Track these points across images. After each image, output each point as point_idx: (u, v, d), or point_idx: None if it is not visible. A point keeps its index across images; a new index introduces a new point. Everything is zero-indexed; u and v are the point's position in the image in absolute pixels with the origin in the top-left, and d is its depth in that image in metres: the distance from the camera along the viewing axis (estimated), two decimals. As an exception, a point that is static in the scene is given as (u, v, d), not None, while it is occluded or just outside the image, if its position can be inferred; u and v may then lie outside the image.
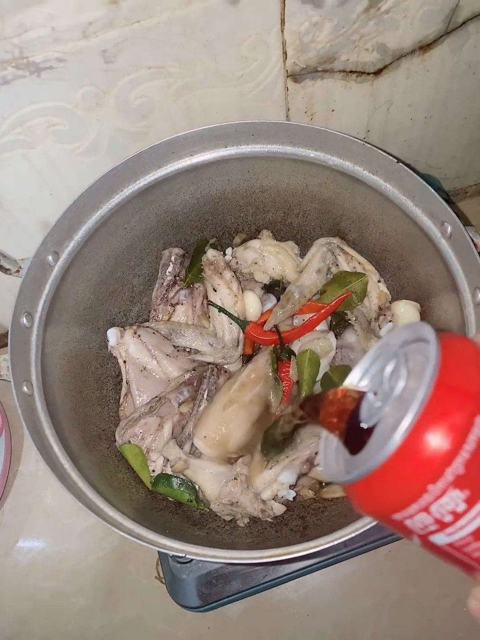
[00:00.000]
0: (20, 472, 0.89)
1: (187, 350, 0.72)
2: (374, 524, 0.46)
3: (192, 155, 0.63)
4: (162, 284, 0.74)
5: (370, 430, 0.27)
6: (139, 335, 0.69)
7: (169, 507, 0.63)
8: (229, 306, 0.70)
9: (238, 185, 0.69)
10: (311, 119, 0.75)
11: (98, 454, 0.62)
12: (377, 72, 0.71)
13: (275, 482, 0.59)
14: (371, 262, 0.70)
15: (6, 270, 0.55)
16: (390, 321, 0.65)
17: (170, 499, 0.63)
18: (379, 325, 0.66)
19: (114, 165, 0.62)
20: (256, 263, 0.72)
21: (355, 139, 0.58)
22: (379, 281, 0.68)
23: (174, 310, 0.74)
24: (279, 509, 0.61)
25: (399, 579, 0.78)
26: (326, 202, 0.69)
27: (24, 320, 0.55)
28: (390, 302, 0.67)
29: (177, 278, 0.74)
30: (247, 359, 0.71)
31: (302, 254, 0.75)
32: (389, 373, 0.27)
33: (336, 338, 0.67)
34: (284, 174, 0.67)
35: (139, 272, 0.74)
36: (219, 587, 0.67)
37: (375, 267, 0.69)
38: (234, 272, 0.72)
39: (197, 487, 0.62)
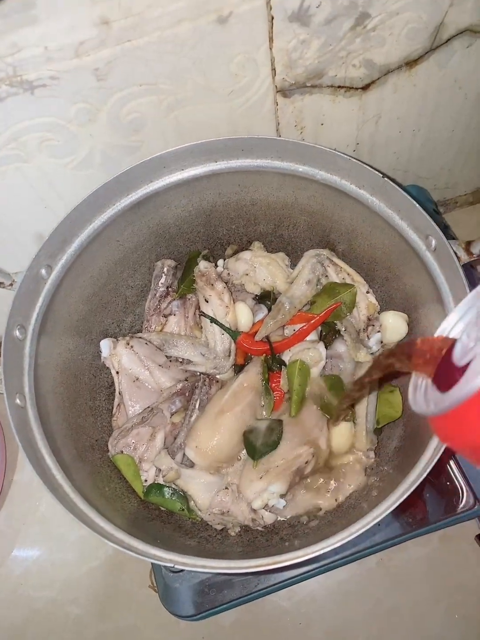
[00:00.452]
0: (16, 481, 0.90)
1: (180, 360, 0.73)
2: (362, 531, 0.46)
3: (183, 169, 0.65)
4: (155, 295, 0.75)
5: (462, 369, 0.29)
6: (132, 346, 0.70)
7: (161, 517, 0.63)
8: (220, 317, 0.71)
9: (229, 198, 0.71)
10: (301, 133, 0.76)
11: (91, 465, 0.63)
12: (365, 87, 0.72)
13: (266, 491, 0.60)
14: (360, 273, 0.71)
15: (0, 284, 0.56)
16: (378, 331, 0.67)
17: (162, 508, 0.64)
18: (367, 336, 0.67)
19: (106, 180, 0.63)
20: (247, 274, 0.73)
21: (342, 154, 0.59)
22: (367, 292, 0.69)
23: (166, 321, 0.75)
24: (269, 518, 0.62)
25: (390, 587, 0.79)
26: (315, 214, 0.70)
27: (17, 333, 0.56)
28: (378, 313, 0.68)
29: (170, 289, 0.75)
30: (238, 368, 0.72)
31: (293, 265, 0.76)
32: None
33: (326, 348, 0.68)
34: (274, 188, 0.69)
35: (131, 283, 0.75)
36: (212, 595, 0.67)
37: (364, 278, 0.71)
38: (226, 283, 0.73)
39: (188, 496, 0.63)
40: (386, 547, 0.72)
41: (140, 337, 0.72)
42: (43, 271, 0.59)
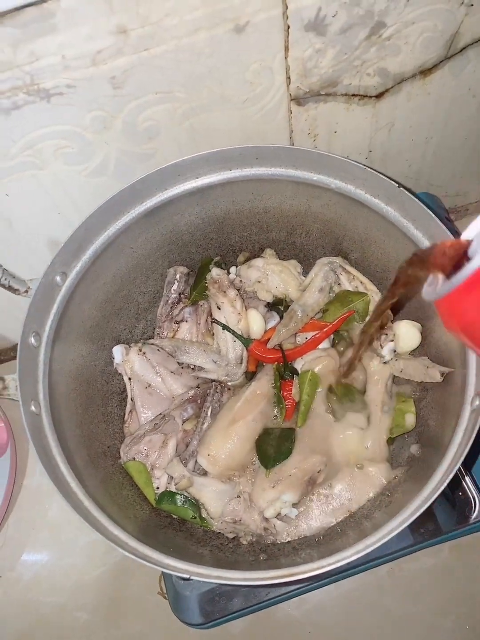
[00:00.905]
0: (25, 486, 0.90)
1: (191, 367, 0.73)
2: (377, 545, 0.46)
3: (197, 178, 0.65)
4: (167, 301, 0.75)
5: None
6: (144, 353, 0.70)
7: (173, 525, 0.63)
8: (232, 324, 0.71)
9: (242, 206, 0.71)
10: (314, 141, 0.76)
11: (103, 471, 0.63)
12: (379, 96, 0.72)
13: (278, 500, 0.59)
14: (373, 281, 0.71)
15: (15, 291, 0.57)
16: (391, 340, 0.66)
17: (174, 516, 0.64)
18: (380, 345, 0.66)
19: (120, 187, 0.63)
20: (259, 281, 0.73)
21: (358, 164, 0.59)
22: (380, 300, 0.69)
23: (178, 328, 0.75)
24: (281, 526, 0.61)
25: (400, 597, 0.79)
26: (329, 222, 0.70)
27: (32, 339, 0.56)
28: (391, 322, 0.68)
29: (182, 296, 0.75)
30: (250, 376, 0.72)
31: (305, 273, 0.76)
32: None
33: (338, 356, 0.68)
34: (287, 196, 0.69)
35: (144, 289, 0.75)
36: (222, 604, 0.67)
37: (377, 286, 0.70)
38: (238, 290, 0.73)
39: (200, 504, 0.63)
40: (397, 557, 0.72)
41: (152, 344, 0.72)
42: (58, 278, 0.59)
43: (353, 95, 0.71)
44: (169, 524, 0.63)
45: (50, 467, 0.51)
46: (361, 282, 0.70)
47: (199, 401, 0.70)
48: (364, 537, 0.49)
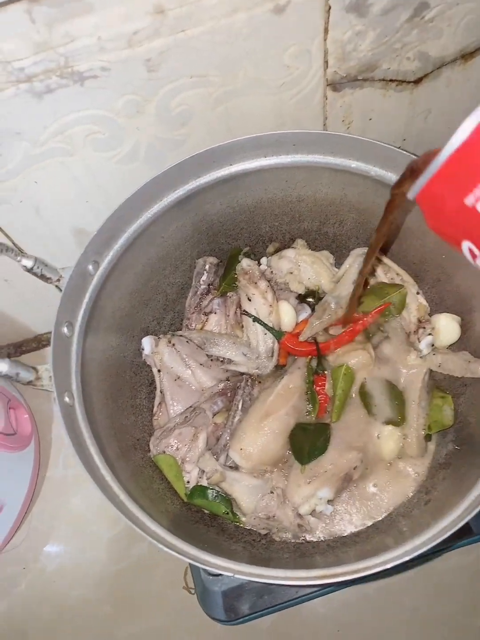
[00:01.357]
0: (48, 477, 0.90)
1: (221, 359, 0.71)
2: (423, 551, 0.44)
3: (231, 165, 0.63)
4: (196, 292, 0.74)
5: None
6: (173, 344, 0.69)
7: (204, 520, 0.62)
8: (263, 316, 0.69)
9: (275, 194, 0.69)
10: (348, 128, 0.74)
11: (133, 464, 0.62)
12: (417, 81, 0.70)
13: (314, 496, 0.58)
14: (409, 273, 0.69)
15: (48, 279, 0.55)
16: (429, 334, 0.64)
17: (205, 511, 0.63)
18: (418, 338, 0.65)
19: (149, 174, 0.62)
20: (291, 273, 0.71)
21: (401, 151, 0.57)
22: (417, 293, 0.67)
23: (207, 319, 0.73)
24: (315, 523, 0.60)
25: (428, 596, 0.77)
26: (365, 212, 0.68)
27: (65, 330, 0.55)
28: (429, 315, 0.66)
29: (211, 287, 0.74)
30: (279, 369, 0.71)
31: (337, 264, 0.74)
32: None
33: (373, 350, 0.66)
34: (323, 184, 0.67)
35: (173, 280, 0.74)
36: (251, 600, 0.66)
37: (413, 278, 0.68)
38: (269, 281, 0.71)
39: (232, 499, 0.62)
40: (429, 558, 0.70)
41: (181, 336, 0.71)
42: (90, 267, 0.58)
43: (391, 80, 0.69)
44: (200, 519, 0.62)
45: (86, 460, 0.49)
46: (397, 274, 0.68)
47: (228, 394, 0.68)
48: (403, 538, 0.48)
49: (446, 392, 0.64)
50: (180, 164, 0.60)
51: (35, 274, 0.55)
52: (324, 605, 0.77)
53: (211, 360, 0.71)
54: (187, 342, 0.70)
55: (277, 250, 0.76)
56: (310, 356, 0.67)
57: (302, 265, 0.71)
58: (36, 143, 0.61)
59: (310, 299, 0.73)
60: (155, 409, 0.70)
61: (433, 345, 0.65)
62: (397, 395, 0.63)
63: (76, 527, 0.86)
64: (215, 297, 0.74)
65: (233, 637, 0.77)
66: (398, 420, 0.62)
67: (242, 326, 0.72)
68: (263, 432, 0.62)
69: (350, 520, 0.60)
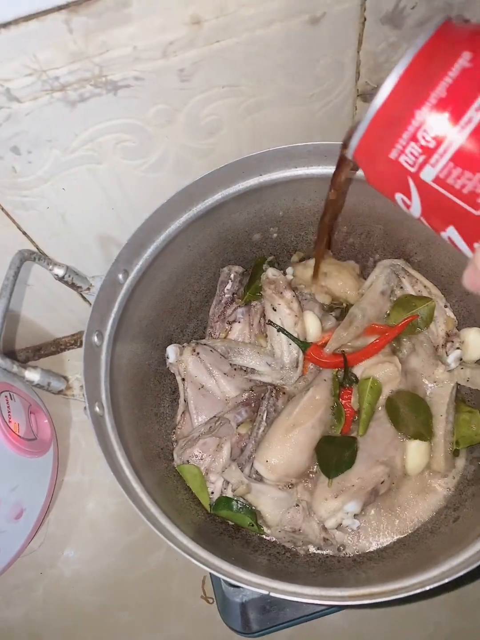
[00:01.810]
0: (66, 482, 0.89)
1: (244, 369, 0.71)
2: (454, 577, 0.43)
3: (261, 175, 0.63)
4: (220, 301, 0.73)
5: None
6: (198, 353, 0.69)
7: (228, 531, 0.62)
8: (289, 326, 0.68)
9: (303, 204, 0.68)
10: (375, 139, 0.73)
11: (157, 474, 0.62)
12: (447, 92, 0.69)
13: (340, 510, 0.57)
14: (437, 286, 0.68)
15: (77, 288, 0.55)
16: (458, 348, 0.64)
17: (229, 522, 0.62)
18: (446, 352, 0.64)
19: (175, 183, 0.62)
20: (318, 283, 0.71)
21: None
22: (445, 306, 0.66)
23: (230, 328, 0.73)
24: (341, 538, 0.60)
25: (451, 612, 0.76)
26: (392, 223, 0.68)
27: (95, 338, 0.55)
28: (458, 329, 0.65)
29: (235, 296, 0.73)
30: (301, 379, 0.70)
31: (362, 275, 0.74)
32: None
33: (400, 363, 0.65)
34: (352, 194, 0.66)
35: (197, 289, 0.73)
36: (274, 613, 0.65)
37: (441, 291, 0.68)
38: (294, 291, 0.71)
39: (257, 511, 0.61)
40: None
41: (205, 344, 0.71)
42: (120, 276, 0.58)
43: (421, 91, 0.68)
44: (225, 531, 0.62)
45: (115, 469, 0.49)
46: (425, 286, 0.67)
47: (252, 405, 0.68)
48: (431, 556, 0.47)
49: (473, 407, 0.64)
50: (210, 174, 0.60)
51: (65, 283, 0.55)
52: (345, 618, 0.76)
53: (235, 369, 0.71)
54: (211, 351, 0.70)
55: (302, 260, 0.76)
56: (336, 368, 0.66)
57: (328, 276, 0.71)
58: (66, 150, 0.61)
59: (336, 310, 0.72)
60: (178, 417, 0.69)
61: (461, 359, 0.64)
62: (424, 409, 0.63)
63: (93, 533, 0.86)
64: (239, 306, 0.73)
65: (251, 648, 0.77)
66: (425, 434, 0.62)
67: (266, 336, 0.72)
68: (289, 445, 0.61)
69: (376, 535, 0.60)
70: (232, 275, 0.73)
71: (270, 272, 0.70)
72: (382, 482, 0.59)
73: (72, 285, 0.55)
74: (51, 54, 0.51)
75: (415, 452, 0.61)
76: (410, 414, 0.62)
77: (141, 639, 0.79)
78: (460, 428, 0.62)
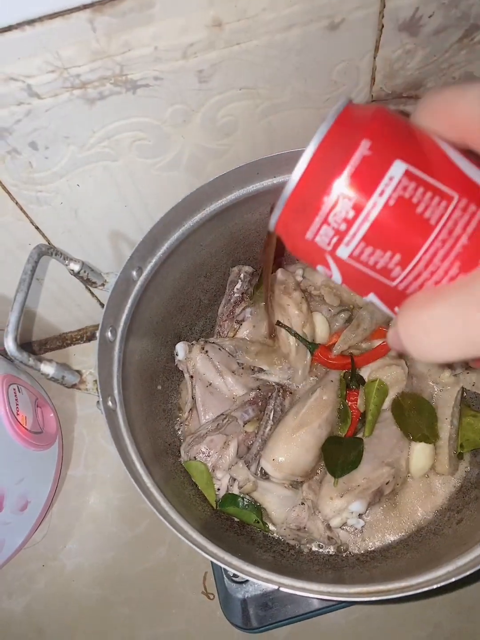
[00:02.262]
0: (70, 476, 0.90)
1: (252, 368, 0.72)
2: (460, 577, 0.44)
3: (275, 177, 0.63)
4: (229, 300, 0.74)
5: None
6: (206, 351, 0.69)
7: (234, 528, 0.63)
8: (297, 327, 0.69)
9: (315, 206, 0.69)
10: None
11: (165, 469, 0.62)
12: (460, 100, 0.70)
13: (346, 510, 0.58)
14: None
15: (92, 283, 0.56)
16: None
17: (235, 519, 0.63)
18: (452, 356, 0.65)
19: (192, 183, 0.62)
20: (327, 285, 0.72)
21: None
22: (452, 311, 0.67)
23: (239, 327, 0.74)
24: (345, 537, 0.60)
25: (451, 612, 0.77)
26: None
27: (109, 334, 0.55)
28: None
29: (245, 295, 0.74)
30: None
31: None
32: None
33: (407, 366, 0.66)
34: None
35: (206, 287, 0.74)
36: (275, 609, 0.66)
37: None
38: (303, 292, 0.72)
39: (263, 509, 0.62)
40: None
41: (213, 343, 0.71)
42: (134, 273, 0.58)
43: (434, 98, 0.69)
44: (230, 527, 0.62)
45: (129, 466, 0.50)
46: (433, 291, 0.68)
47: (259, 403, 0.69)
48: (435, 556, 0.48)
49: (478, 411, 0.65)
50: (225, 175, 0.60)
51: (80, 278, 0.56)
52: (344, 617, 0.77)
53: (242, 368, 0.71)
54: (219, 349, 0.71)
55: (310, 262, 0.77)
56: (344, 370, 0.67)
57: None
58: (83, 147, 0.62)
59: (345, 312, 0.73)
60: (185, 414, 0.70)
61: (467, 363, 0.65)
62: (429, 412, 0.64)
63: (95, 527, 0.87)
64: (248, 305, 0.74)
65: (251, 645, 0.77)
66: (430, 437, 0.63)
67: (275, 336, 0.72)
68: (296, 444, 0.62)
69: (380, 535, 0.61)
70: (242, 275, 0.74)
71: (280, 273, 0.71)
72: (387, 483, 0.60)
73: (87, 281, 0.56)
74: (74, 52, 0.52)
75: (420, 454, 0.62)
76: (415, 416, 0.63)
77: (142, 633, 0.80)
78: (464, 432, 0.63)
